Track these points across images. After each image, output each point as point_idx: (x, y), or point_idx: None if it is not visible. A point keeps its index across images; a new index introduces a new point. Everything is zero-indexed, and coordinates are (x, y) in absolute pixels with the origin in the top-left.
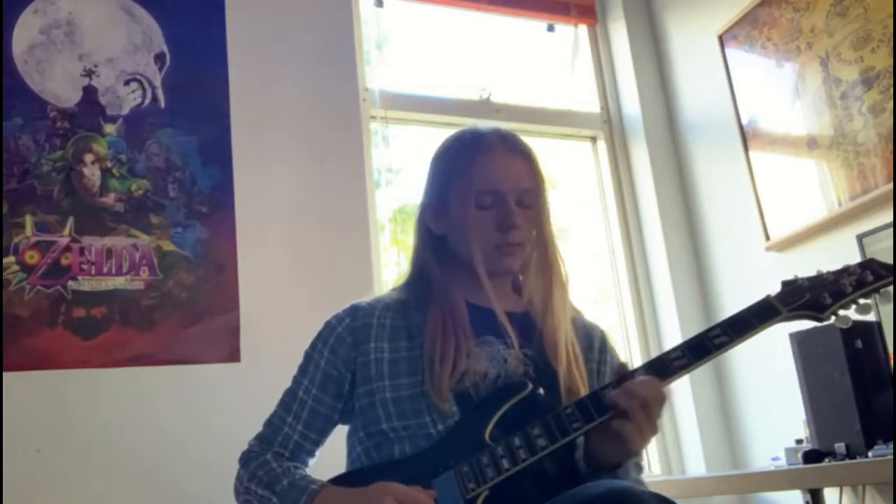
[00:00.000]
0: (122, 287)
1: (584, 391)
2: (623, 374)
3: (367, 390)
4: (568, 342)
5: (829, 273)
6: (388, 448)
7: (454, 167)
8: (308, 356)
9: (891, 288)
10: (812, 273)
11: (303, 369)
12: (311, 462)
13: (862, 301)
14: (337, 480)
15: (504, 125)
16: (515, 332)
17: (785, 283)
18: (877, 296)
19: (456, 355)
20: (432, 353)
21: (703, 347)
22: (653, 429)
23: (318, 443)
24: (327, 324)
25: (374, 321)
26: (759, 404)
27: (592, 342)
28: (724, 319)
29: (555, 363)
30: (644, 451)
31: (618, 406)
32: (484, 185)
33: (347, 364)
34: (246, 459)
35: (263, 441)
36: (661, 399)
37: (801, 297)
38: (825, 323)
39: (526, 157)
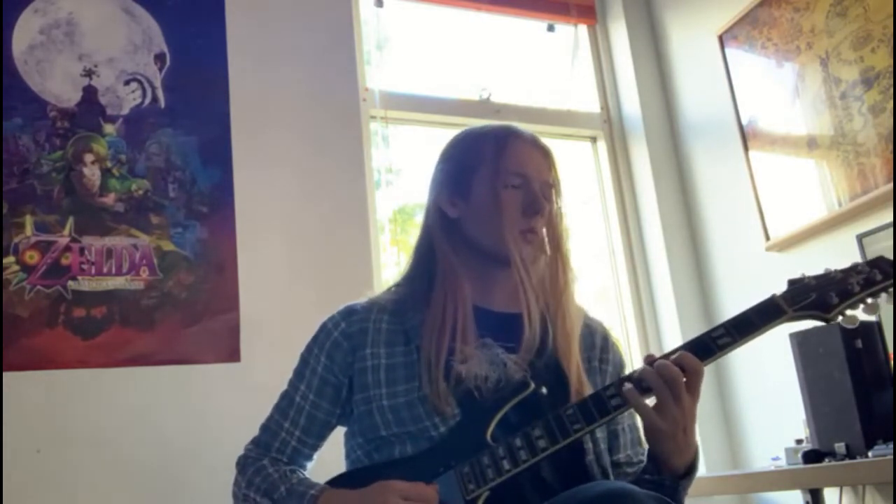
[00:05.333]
0: (122, 287)
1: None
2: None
3: (364, 397)
4: (576, 346)
5: (836, 271)
6: (388, 449)
7: (481, 150)
8: (304, 360)
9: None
10: (816, 272)
11: (299, 373)
12: (310, 465)
13: (870, 300)
14: (336, 481)
15: None
16: (532, 328)
17: (791, 282)
18: (885, 295)
19: (451, 359)
20: (429, 357)
21: (707, 348)
22: (679, 407)
23: (315, 447)
24: (323, 326)
25: (370, 325)
26: (759, 404)
27: (594, 340)
28: (727, 319)
29: (566, 368)
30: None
31: (642, 381)
32: (513, 167)
33: (344, 370)
34: (243, 465)
35: (261, 446)
36: (679, 375)
37: (806, 297)
38: (832, 323)
39: (548, 155)
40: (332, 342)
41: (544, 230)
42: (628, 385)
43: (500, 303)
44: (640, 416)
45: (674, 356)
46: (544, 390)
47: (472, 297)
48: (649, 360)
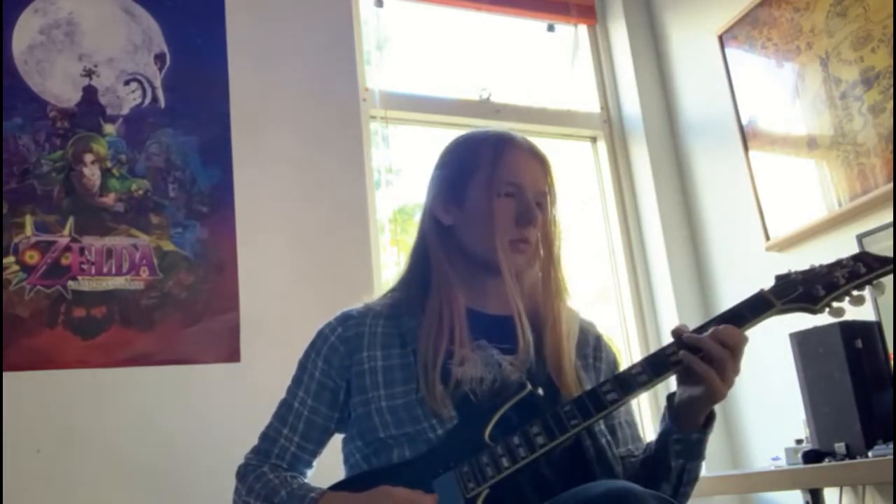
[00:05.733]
0: (122, 287)
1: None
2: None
3: (362, 400)
4: (570, 351)
5: (822, 266)
6: (387, 453)
7: (476, 157)
8: (302, 366)
9: (883, 280)
10: (805, 267)
11: (297, 379)
12: (310, 473)
13: (855, 293)
14: (337, 487)
15: (504, 125)
16: (525, 337)
17: (778, 277)
18: (870, 287)
19: (449, 362)
20: (425, 361)
21: None
22: (735, 371)
23: (315, 453)
24: (319, 333)
25: (366, 329)
26: (759, 404)
27: (587, 339)
28: (717, 315)
29: (556, 372)
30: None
31: (703, 349)
32: (508, 177)
33: (342, 374)
34: (243, 473)
35: (260, 454)
36: (743, 340)
37: (794, 291)
38: (819, 315)
39: (545, 164)
40: (329, 347)
41: (539, 236)
42: (690, 355)
43: (493, 306)
44: (704, 379)
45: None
46: (541, 392)
47: (467, 300)
48: (678, 333)
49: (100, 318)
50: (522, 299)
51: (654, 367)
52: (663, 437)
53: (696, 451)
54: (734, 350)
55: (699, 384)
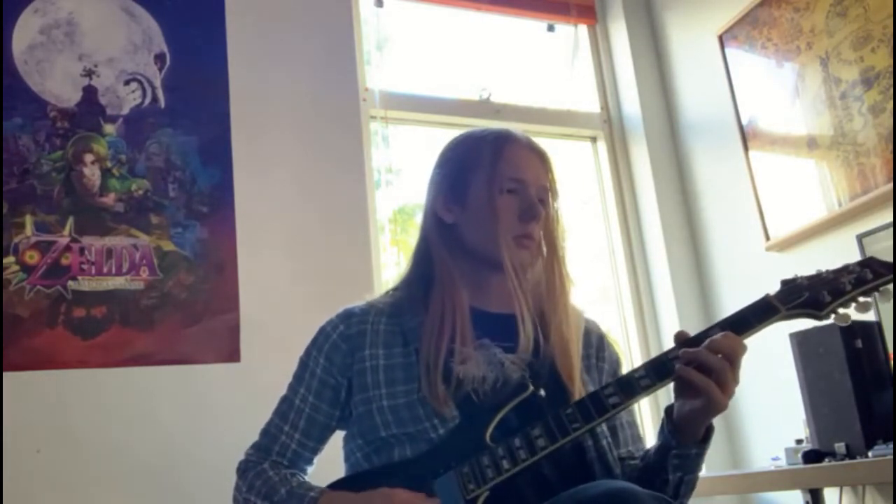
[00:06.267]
0: (122, 287)
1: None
2: (685, 341)
3: (363, 398)
4: (577, 351)
5: (828, 272)
6: (388, 452)
7: (477, 155)
8: (303, 363)
9: (890, 286)
10: (811, 272)
11: (298, 376)
12: (310, 469)
13: (862, 299)
14: (337, 485)
15: (504, 125)
16: (525, 333)
17: (784, 282)
18: (877, 294)
19: (450, 360)
20: (427, 360)
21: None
22: (735, 381)
23: (316, 450)
24: (321, 330)
25: (369, 327)
26: (759, 404)
27: (590, 339)
28: (722, 319)
29: (563, 371)
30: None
31: (701, 362)
32: (509, 173)
33: (343, 371)
34: (244, 469)
35: (261, 450)
36: (742, 350)
37: (799, 296)
38: (824, 322)
39: (545, 160)
40: (331, 344)
41: (541, 234)
42: (688, 368)
43: (495, 304)
44: (703, 391)
45: (706, 342)
46: (543, 392)
47: (469, 299)
48: (680, 339)
49: (100, 318)
50: (526, 296)
51: (657, 371)
52: (661, 451)
53: (693, 465)
54: (732, 360)
55: (698, 397)
